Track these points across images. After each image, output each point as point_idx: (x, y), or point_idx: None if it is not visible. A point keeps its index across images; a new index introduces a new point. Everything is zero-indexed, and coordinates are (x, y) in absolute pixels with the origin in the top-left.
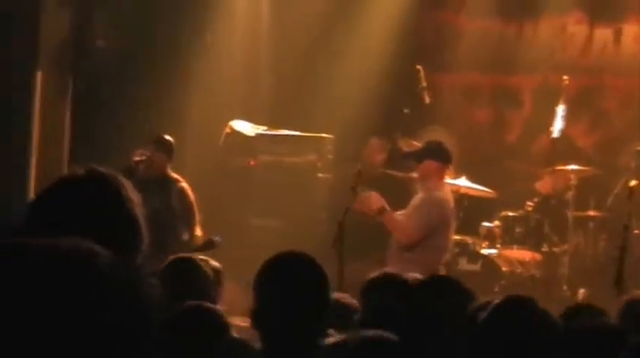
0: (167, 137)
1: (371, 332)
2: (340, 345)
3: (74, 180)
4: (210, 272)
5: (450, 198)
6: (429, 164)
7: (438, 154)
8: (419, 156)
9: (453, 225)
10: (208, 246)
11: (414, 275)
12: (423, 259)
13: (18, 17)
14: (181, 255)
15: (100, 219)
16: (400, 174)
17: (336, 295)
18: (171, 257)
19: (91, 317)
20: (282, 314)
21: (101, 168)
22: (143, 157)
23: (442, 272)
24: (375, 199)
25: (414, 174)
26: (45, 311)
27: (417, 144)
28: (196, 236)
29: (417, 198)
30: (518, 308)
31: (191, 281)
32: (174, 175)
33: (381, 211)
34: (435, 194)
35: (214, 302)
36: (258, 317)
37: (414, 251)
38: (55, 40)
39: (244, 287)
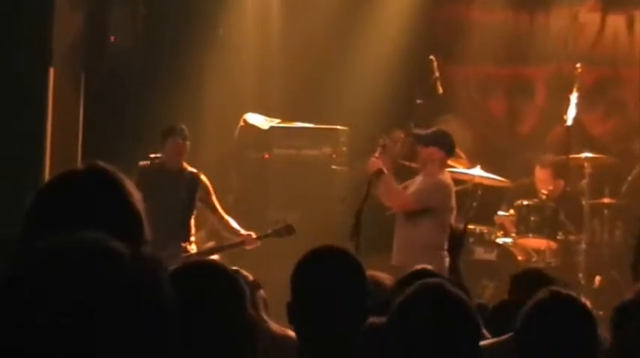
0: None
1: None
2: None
3: (74, 175)
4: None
5: (451, 183)
6: (434, 151)
7: (444, 144)
8: (426, 140)
9: (454, 209)
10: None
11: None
12: (426, 240)
13: (31, 14)
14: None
15: (102, 214)
16: (415, 165)
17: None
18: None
19: (111, 310)
20: (321, 307)
21: (101, 163)
22: (158, 155)
23: (445, 257)
24: (372, 163)
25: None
26: (69, 304)
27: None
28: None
29: (418, 180)
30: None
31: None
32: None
33: (378, 174)
34: (437, 177)
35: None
36: (296, 310)
37: (416, 232)
38: (68, 36)
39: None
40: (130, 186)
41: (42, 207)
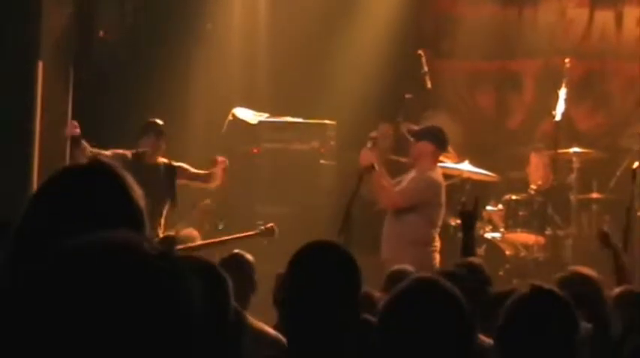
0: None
1: None
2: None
3: (77, 171)
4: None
5: (442, 180)
6: (426, 145)
7: (436, 138)
8: (418, 135)
9: (443, 206)
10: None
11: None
12: (412, 236)
13: (20, 7)
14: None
15: (106, 211)
16: (405, 160)
17: None
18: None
19: (136, 310)
20: (315, 301)
21: (103, 159)
22: (147, 149)
23: (432, 253)
24: (365, 156)
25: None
26: (92, 305)
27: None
28: None
29: (410, 176)
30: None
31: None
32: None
33: (369, 169)
34: (428, 174)
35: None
36: (289, 303)
37: (403, 227)
38: (56, 30)
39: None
40: (132, 182)
41: (44, 204)
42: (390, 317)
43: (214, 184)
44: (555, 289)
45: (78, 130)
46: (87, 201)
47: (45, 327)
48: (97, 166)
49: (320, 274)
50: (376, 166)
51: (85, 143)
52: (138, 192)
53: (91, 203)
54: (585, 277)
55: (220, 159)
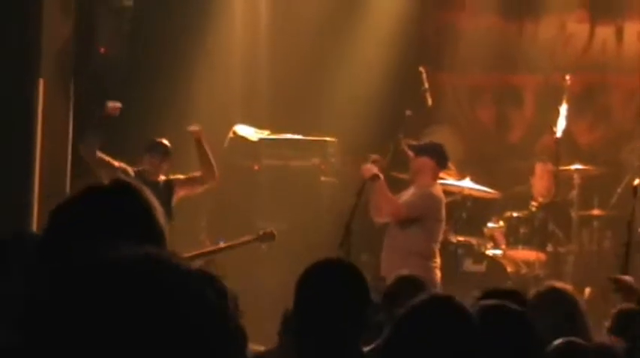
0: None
1: None
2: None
3: (101, 190)
4: None
5: (442, 196)
6: (425, 161)
7: (436, 155)
8: (419, 150)
9: (444, 221)
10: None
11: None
12: (413, 249)
13: (20, 23)
14: None
15: (131, 230)
16: (405, 176)
17: None
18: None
19: (172, 325)
20: (322, 316)
21: (126, 179)
22: (149, 168)
23: (434, 268)
24: (367, 168)
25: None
26: (135, 318)
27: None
28: None
29: (409, 192)
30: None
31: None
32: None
33: (374, 178)
34: (428, 189)
35: None
36: (296, 320)
37: (404, 240)
38: (57, 46)
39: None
40: (155, 201)
41: (66, 221)
42: (403, 331)
43: (212, 181)
44: (505, 303)
45: (117, 111)
46: (110, 220)
47: (61, 337)
48: (121, 186)
49: (324, 291)
50: (380, 176)
51: (100, 154)
52: (160, 210)
53: (114, 222)
54: (561, 291)
55: (193, 128)
